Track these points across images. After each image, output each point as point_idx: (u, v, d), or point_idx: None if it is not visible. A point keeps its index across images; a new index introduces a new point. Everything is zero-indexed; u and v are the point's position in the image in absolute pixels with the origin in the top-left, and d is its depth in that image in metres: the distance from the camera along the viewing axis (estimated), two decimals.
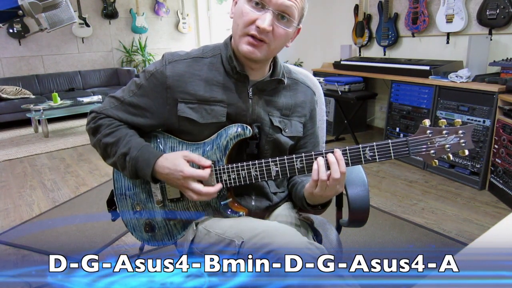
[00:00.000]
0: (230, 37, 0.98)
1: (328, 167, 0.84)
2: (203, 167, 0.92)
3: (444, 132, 0.82)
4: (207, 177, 0.91)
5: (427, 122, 0.82)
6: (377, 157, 0.84)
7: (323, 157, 0.85)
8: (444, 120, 0.82)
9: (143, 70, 1.00)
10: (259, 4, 0.86)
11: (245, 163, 0.92)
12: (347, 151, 0.85)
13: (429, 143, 0.83)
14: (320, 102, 1.27)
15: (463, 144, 0.82)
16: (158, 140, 1.01)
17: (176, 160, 0.91)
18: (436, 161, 0.83)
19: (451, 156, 0.83)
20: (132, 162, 0.93)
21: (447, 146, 0.82)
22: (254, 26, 0.86)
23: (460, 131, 0.82)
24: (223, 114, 0.95)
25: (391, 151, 0.83)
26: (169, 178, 0.92)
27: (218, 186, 0.92)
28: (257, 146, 0.99)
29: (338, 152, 0.84)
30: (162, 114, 0.97)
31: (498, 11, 2.86)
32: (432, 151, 0.83)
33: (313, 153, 0.87)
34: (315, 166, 0.85)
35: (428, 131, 0.82)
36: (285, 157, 0.89)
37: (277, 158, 0.89)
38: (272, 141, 1.00)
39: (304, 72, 1.23)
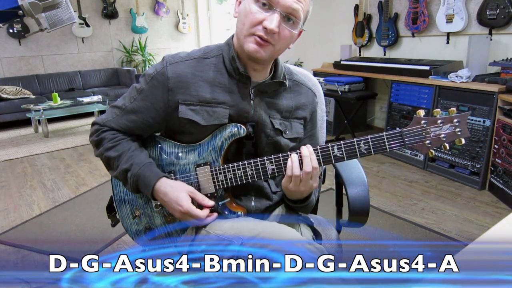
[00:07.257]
0: (232, 37, 0.98)
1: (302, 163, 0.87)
2: (205, 207, 0.93)
3: (439, 121, 0.80)
4: (204, 217, 0.93)
5: (421, 112, 0.81)
6: (372, 150, 0.84)
7: (296, 153, 0.88)
8: (439, 110, 0.80)
9: (143, 74, 0.99)
10: (266, 4, 0.85)
11: (240, 163, 0.92)
12: (342, 146, 0.85)
13: (424, 133, 0.81)
14: (320, 102, 1.27)
15: (459, 133, 0.80)
16: (158, 145, 1.01)
17: (180, 192, 0.92)
18: (433, 151, 0.82)
19: (447, 145, 0.81)
20: (133, 179, 0.94)
21: (442, 135, 0.80)
22: (261, 26, 0.85)
23: (455, 120, 0.80)
24: (225, 116, 0.94)
25: (386, 143, 0.83)
26: (166, 205, 0.94)
27: (208, 209, 0.94)
28: (253, 145, 0.98)
29: (309, 147, 0.87)
30: (164, 116, 0.96)
31: (498, 11, 2.86)
32: (427, 141, 0.81)
33: None
34: (289, 162, 0.87)
35: (423, 121, 0.81)
36: (280, 154, 0.89)
37: (272, 156, 0.89)
38: (273, 144, 1.00)
39: (304, 73, 1.23)
